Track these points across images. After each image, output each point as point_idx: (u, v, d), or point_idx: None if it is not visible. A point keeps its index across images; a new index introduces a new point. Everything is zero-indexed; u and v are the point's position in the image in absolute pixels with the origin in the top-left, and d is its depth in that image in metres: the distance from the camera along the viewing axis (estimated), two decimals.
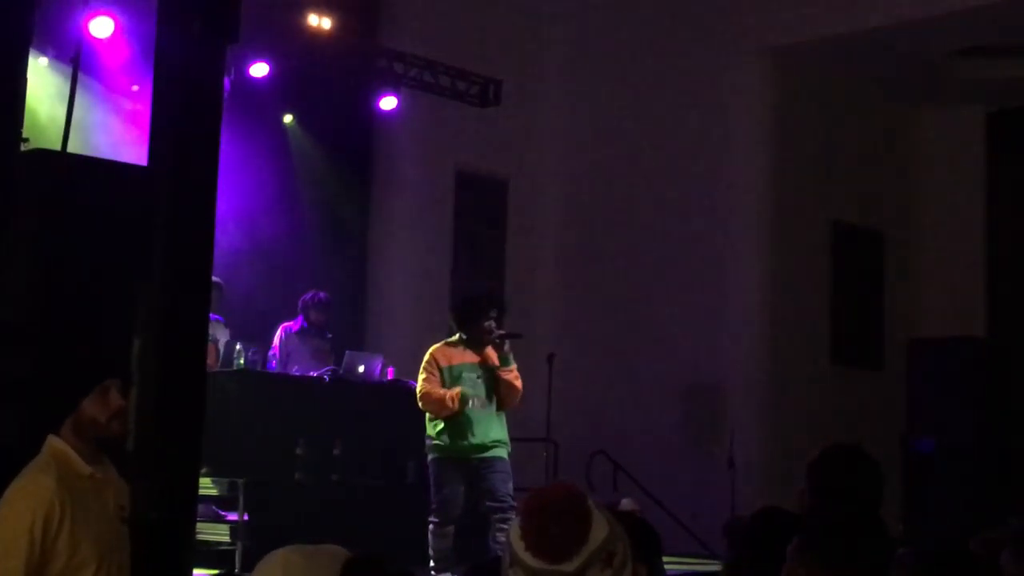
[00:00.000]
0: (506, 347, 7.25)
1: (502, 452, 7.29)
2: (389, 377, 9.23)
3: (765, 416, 11.28)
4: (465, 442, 7.15)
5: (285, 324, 9.22)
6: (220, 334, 8.92)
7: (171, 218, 3.96)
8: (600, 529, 2.05)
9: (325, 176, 11.03)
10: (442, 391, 7.09)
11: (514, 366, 7.32)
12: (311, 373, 8.84)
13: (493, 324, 7.25)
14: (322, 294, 9.28)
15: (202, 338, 4.08)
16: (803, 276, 11.77)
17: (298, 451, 8.25)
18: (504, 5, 12.28)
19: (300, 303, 9.26)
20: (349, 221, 11.43)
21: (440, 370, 7.18)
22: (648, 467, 10.78)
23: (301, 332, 9.17)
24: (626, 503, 7.87)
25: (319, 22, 10.15)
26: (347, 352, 9.10)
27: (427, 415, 7.24)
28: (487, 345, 7.22)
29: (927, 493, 10.87)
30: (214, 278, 8.77)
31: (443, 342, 7.31)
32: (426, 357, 7.25)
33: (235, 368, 8.51)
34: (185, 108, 4.06)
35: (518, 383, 7.35)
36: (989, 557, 4.01)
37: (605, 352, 11.82)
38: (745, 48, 11.55)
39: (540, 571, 2.02)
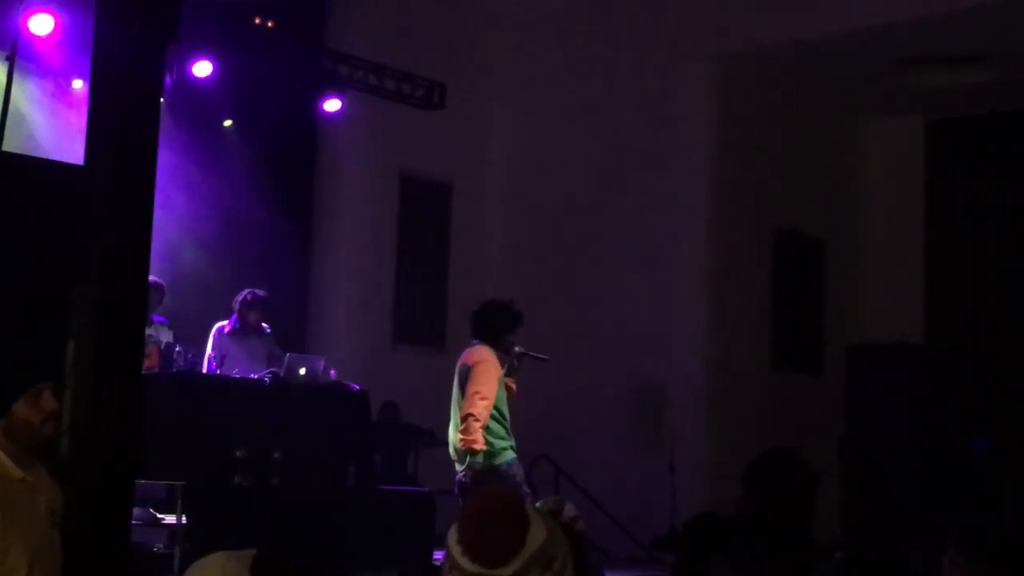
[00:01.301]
0: (517, 363, 7.49)
1: None
2: (331, 379, 9.17)
3: (707, 421, 11.34)
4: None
5: (219, 325, 9.13)
6: (163, 336, 8.83)
7: (107, 218, 3.91)
8: (538, 534, 2.05)
9: (268, 178, 10.95)
10: (479, 437, 7.18)
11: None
12: (252, 375, 8.77)
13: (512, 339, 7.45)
14: (260, 292, 9.18)
15: (138, 341, 4.03)
16: (746, 282, 11.86)
17: (238, 454, 8.17)
18: (449, 8, 12.27)
19: (236, 303, 9.14)
20: (292, 223, 11.36)
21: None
22: (590, 471, 10.81)
23: (236, 333, 9.06)
24: (568, 508, 7.90)
25: (264, 23, 10.08)
26: (288, 354, 9.03)
27: (481, 425, 7.23)
28: (510, 359, 7.44)
29: (865, 498, 10.96)
30: (156, 280, 8.77)
31: (485, 347, 7.36)
32: (486, 360, 7.28)
33: (175, 370, 8.42)
34: (123, 108, 4.01)
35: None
36: (923, 562, 4.05)
37: (549, 355, 11.81)
38: (690, 55, 11.62)
39: (477, 575, 2.02)
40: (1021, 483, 10.71)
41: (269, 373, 8.80)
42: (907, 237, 12.76)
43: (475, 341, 7.44)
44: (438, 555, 7.52)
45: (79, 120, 8.92)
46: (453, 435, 7.36)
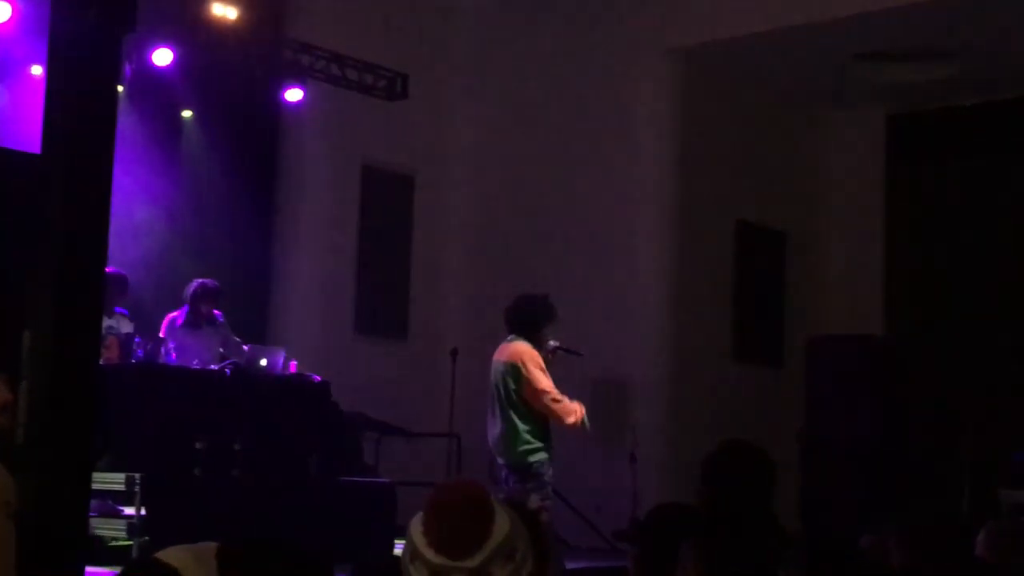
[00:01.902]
0: (551, 356, 7.57)
1: None
2: (292, 371, 9.13)
3: (668, 412, 11.38)
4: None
5: (170, 315, 9.06)
6: (124, 327, 8.76)
7: (64, 208, 3.87)
8: (502, 525, 2.05)
9: (228, 168, 10.88)
10: (574, 405, 7.40)
11: None
12: (211, 366, 8.71)
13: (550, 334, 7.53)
14: (210, 282, 9.11)
15: (95, 331, 4.00)
16: (707, 275, 11.90)
17: (198, 445, 8.11)
18: None
19: (187, 294, 9.06)
20: (253, 213, 11.29)
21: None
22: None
23: (188, 324, 8.99)
24: (533, 500, 7.91)
25: (224, 11, 10.01)
26: (249, 345, 8.98)
27: (530, 414, 7.37)
28: (544, 354, 7.50)
29: (825, 488, 11.04)
30: (119, 271, 8.69)
31: (524, 342, 7.46)
32: (531, 356, 7.38)
33: (135, 361, 8.35)
34: (79, 96, 3.97)
35: None
36: (879, 552, 4.08)
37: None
38: (652, 48, 11.64)
39: (441, 567, 2.01)
40: (976, 475, 10.82)
41: (229, 364, 8.74)
42: (867, 230, 12.84)
43: (511, 337, 7.53)
44: (399, 546, 7.52)
45: (37, 107, 8.84)
46: (492, 431, 7.53)
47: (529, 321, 7.49)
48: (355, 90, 10.96)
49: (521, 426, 7.40)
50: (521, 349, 7.41)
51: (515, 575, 2.02)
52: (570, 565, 8.40)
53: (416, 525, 2.04)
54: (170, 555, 2.21)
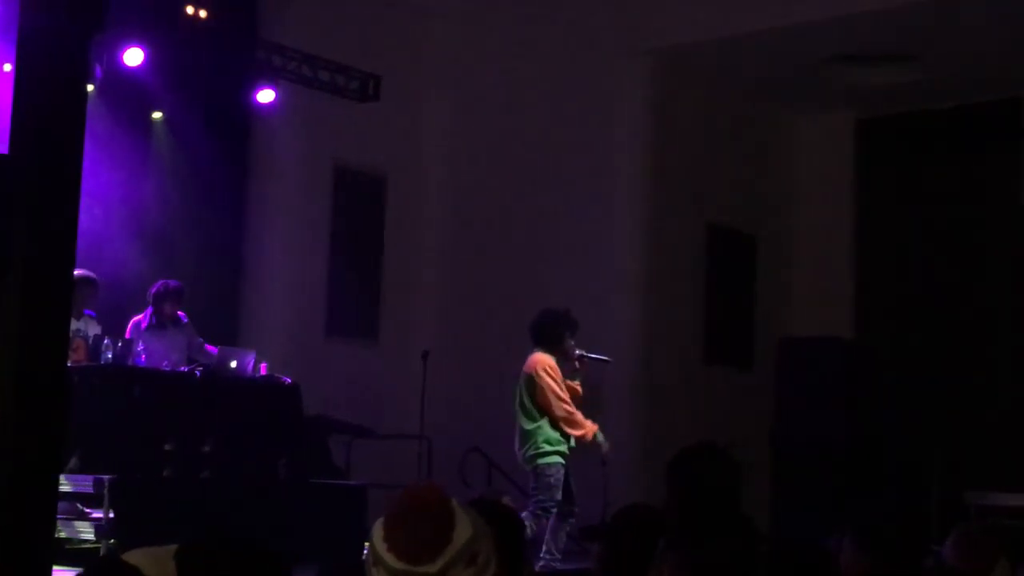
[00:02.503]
0: (579, 365, 8.18)
1: None
2: (262, 373, 9.11)
3: (639, 414, 11.40)
4: (567, 447, 8.08)
5: (135, 318, 9.01)
6: (92, 329, 8.71)
7: (31, 208, 3.85)
8: (464, 530, 2.05)
9: (199, 169, 10.83)
10: (586, 422, 8.03)
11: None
12: (181, 368, 8.68)
13: (572, 343, 8.12)
14: (172, 282, 9.07)
15: (63, 333, 3.98)
16: (678, 277, 11.93)
17: (167, 448, 8.09)
18: (385, 0, 12.22)
19: (150, 295, 9.02)
20: (225, 214, 11.25)
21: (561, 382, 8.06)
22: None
23: (153, 327, 8.94)
24: (504, 502, 7.94)
25: (196, 11, 9.97)
26: (219, 347, 8.94)
27: (542, 420, 8.01)
28: (571, 362, 8.15)
29: (795, 489, 11.09)
30: (89, 274, 8.65)
31: (543, 352, 8.07)
32: (548, 365, 7.99)
33: (102, 362, 8.31)
34: (48, 96, 3.95)
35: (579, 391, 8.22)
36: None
37: (482, 349, 11.84)
38: (624, 50, 11.66)
39: (402, 572, 2.01)
40: (946, 477, 10.89)
41: (199, 366, 8.71)
42: (837, 233, 12.91)
43: (535, 349, 8.12)
44: None
45: (5, 106, 8.78)
46: (518, 440, 8.13)
47: (548, 333, 8.08)
48: (327, 91, 10.94)
49: (534, 430, 7.99)
50: (537, 359, 8.02)
51: None
52: (539, 566, 8.41)
53: (377, 530, 2.04)
54: (131, 556, 2.21)
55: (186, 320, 9.11)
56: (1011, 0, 10.20)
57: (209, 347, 9.05)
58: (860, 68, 11.56)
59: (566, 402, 7.97)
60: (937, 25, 10.77)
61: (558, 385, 7.97)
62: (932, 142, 12.67)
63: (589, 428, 8.03)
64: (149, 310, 8.99)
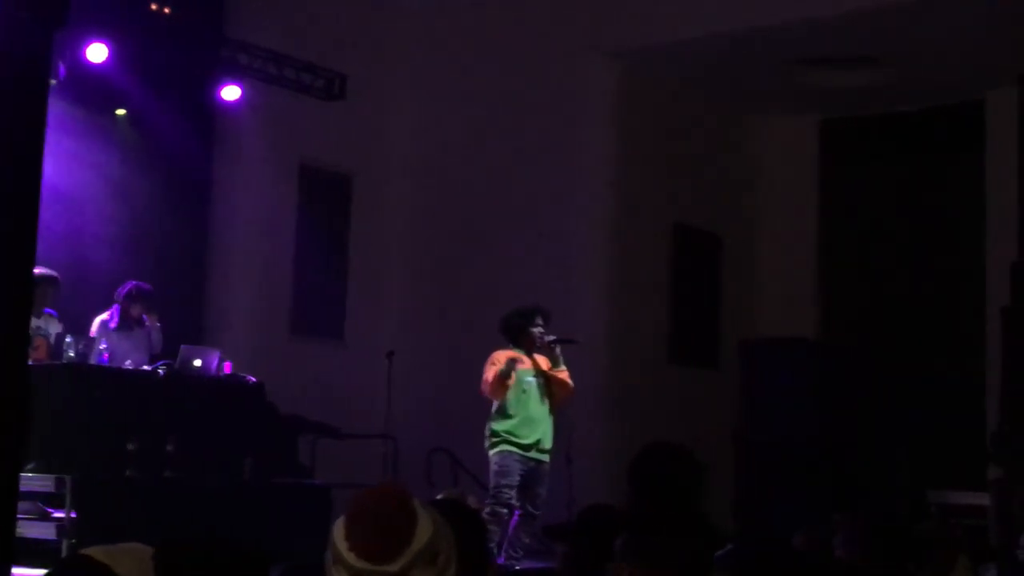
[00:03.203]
0: (557, 350, 8.20)
1: (548, 459, 8.21)
2: (227, 371, 9.06)
3: (605, 413, 11.42)
4: (527, 440, 8.07)
5: (102, 318, 8.95)
6: (52, 328, 8.64)
7: None
8: (425, 529, 2.05)
9: (163, 167, 10.76)
10: (492, 371, 8.01)
11: (565, 369, 8.24)
12: (145, 367, 8.62)
13: (542, 331, 8.16)
14: (145, 285, 9.02)
15: (23, 331, 3.95)
16: (644, 277, 11.97)
17: (130, 447, 8.03)
18: None
19: (119, 295, 8.97)
20: (188, 213, 11.18)
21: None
22: (488, 463, 10.81)
23: (121, 326, 8.89)
24: (469, 501, 7.94)
25: (160, 7, 9.91)
26: (183, 346, 8.89)
27: (492, 410, 8.18)
28: (538, 350, 8.18)
29: (759, 489, 11.14)
30: (50, 272, 8.58)
31: (511, 347, 8.21)
32: (495, 357, 8.14)
33: (65, 361, 8.25)
34: (8, 92, 3.91)
35: (570, 383, 8.29)
36: (812, 551, 4.14)
37: (447, 349, 11.83)
38: (591, 51, 11.68)
39: (363, 571, 2.01)
40: (912, 475, 10.97)
41: (163, 365, 8.66)
42: (802, 234, 12.98)
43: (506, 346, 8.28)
44: None
45: None
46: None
47: (509, 327, 8.24)
48: (293, 90, 10.90)
49: (489, 421, 8.18)
50: (492, 354, 8.18)
51: None
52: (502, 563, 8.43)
53: (338, 530, 2.04)
54: (97, 552, 2.20)
55: (148, 323, 9.03)
56: (974, 4, 10.29)
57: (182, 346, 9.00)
58: (825, 70, 11.62)
59: (485, 380, 8.10)
60: (901, 28, 10.85)
61: (486, 373, 8.08)
62: (897, 144, 12.77)
63: (490, 378, 8.06)
64: (116, 308, 8.92)
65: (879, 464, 11.29)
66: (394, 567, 1.99)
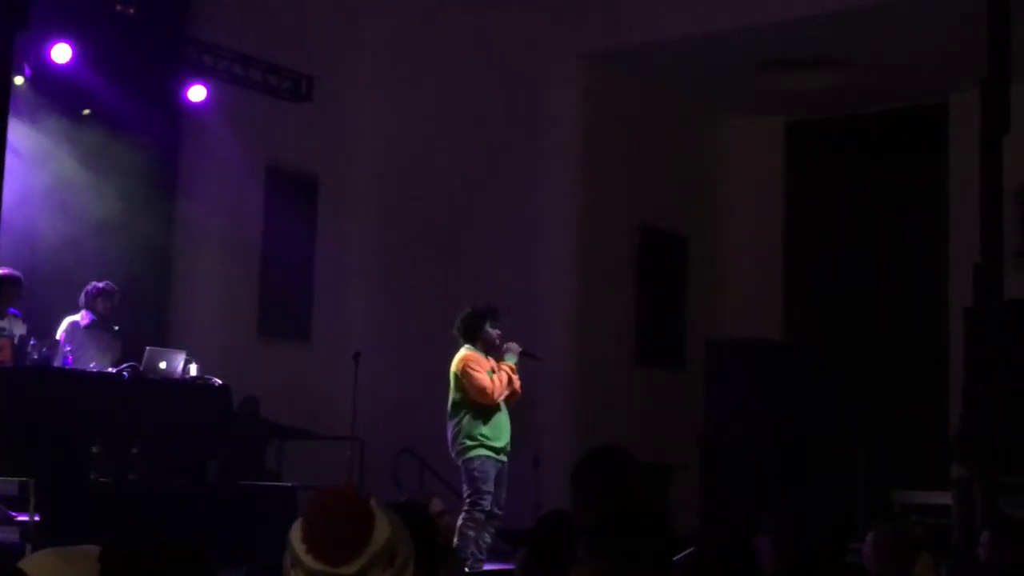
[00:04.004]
0: (519, 352, 8.19)
1: None
2: (192, 374, 9.03)
3: (571, 415, 11.45)
4: (500, 443, 8.07)
5: (71, 319, 8.91)
6: (17, 329, 8.60)
7: None
8: (382, 531, 2.06)
9: (129, 167, 10.70)
10: (496, 382, 7.97)
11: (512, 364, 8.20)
12: (109, 369, 8.59)
13: (499, 332, 8.18)
14: (103, 284, 9.00)
15: None
16: (610, 279, 12.00)
17: (94, 450, 7.99)
18: (318, 0, 12.17)
19: (84, 296, 8.95)
20: (154, 214, 11.12)
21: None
22: (455, 465, 10.82)
23: (91, 327, 8.86)
24: (435, 503, 7.95)
25: (124, 8, 9.87)
26: (148, 348, 8.85)
27: (463, 415, 8.05)
28: (496, 350, 8.16)
29: (724, 489, 11.19)
30: (13, 272, 8.53)
31: (467, 349, 8.14)
32: (466, 359, 8.04)
33: (29, 364, 8.20)
34: None
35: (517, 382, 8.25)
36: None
37: (413, 350, 11.83)
38: (557, 52, 11.71)
39: (320, 573, 2.02)
40: (871, 474, 11.05)
41: (128, 367, 8.62)
42: (767, 235, 13.05)
43: (462, 345, 8.21)
44: None
45: None
46: (448, 438, 8.17)
47: (465, 328, 8.19)
48: (259, 91, 10.89)
49: (457, 425, 8.04)
50: (459, 356, 8.09)
51: None
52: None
53: (296, 532, 2.05)
54: (36, 561, 2.20)
55: (117, 328, 9.00)
56: (937, 7, 10.37)
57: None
58: (790, 73, 11.69)
59: (492, 389, 7.99)
60: (866, 31, 10.93)
61: (479, 376, 7.99)
62: (861, 146, 12.85)
63: (494, 388, 7.98)
64: (85, 310, 8.90)
65: (842, 464, 11.36)
66: (351, 569, 2.00)
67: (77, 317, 8.93)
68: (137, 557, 2.24)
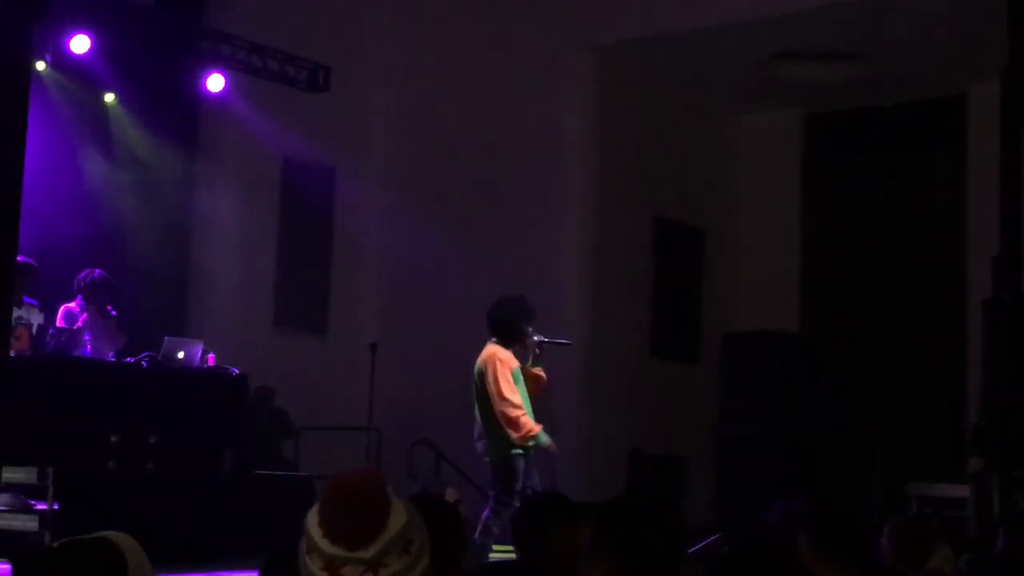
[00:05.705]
0: (539, 351, 7.81)
1: None
2: (210, 364, 9.04)
3: (586, 406, 11.45)
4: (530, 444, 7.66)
5: (67, 306, 8.88)
6: (34, 318, 8.60)
7: None
8: (399, 517, 2.06)
9: (148, 157, 10.75)
10: (528, 423, 7.54)
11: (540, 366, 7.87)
12: (128, 359, 8.60)
13: (537, 337, 7.77)
14: (98, 272, 8.93)
15: (4, 321, 3.95)
16: (625, 270, 11.99)
17: (112, 439, 8.01)
18: None
19: (78, 284, 8.87)
20: (172, 204, 11.16)
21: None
22: (470, 455, 10.82)
23: (92, 315, 8.83)
24: (449, 492, 7.93)
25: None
26: (166, 338, 8.86)
27: (521, 413, 7.62)
28: (531, 350, 7.78)
29: (738, 482, 11.18)
30: (28, 260, 8.54)
31: (496, 343, 7.67)
32: (503, 359, 7.60)
33: (47, 352, 8.22)
34: None
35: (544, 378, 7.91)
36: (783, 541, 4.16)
37: (429, 341, 11.84)
38: (572, 44, 11.69)
39: (337, 557, 2.02)
40: (888, 468, 11.03)
41: (146, 357, 8.63)
42: (783, 228, 13.01)
43: (491, 340, 7.73)
44: None
45: None
46: (476, 431, 7.82)
47: (503, 324, 7.70)
48: (276, 81, 10.89)
49: (492, 423, 7.63)
50: (490, 352, 7.66)
51: (411, 567, 2.03)
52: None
53: (312, 516, 2.05)
54: (112, 534, 2.21)
55: (114, 314, 8.96)
56: None
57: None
58: (806, 65, 11.66)
59: (511, 403, 7.59)
60: (883, 22, 10.88)
61: (509, 384, 7.61)
62: (879, 138, 12.80)
63: (529, 429, 7.57)
64: (79, 297, 8.83)
65: (858, 456, 11.34)
66: (368, 553, 2.00)
67: (72, 305, 8.90)
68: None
